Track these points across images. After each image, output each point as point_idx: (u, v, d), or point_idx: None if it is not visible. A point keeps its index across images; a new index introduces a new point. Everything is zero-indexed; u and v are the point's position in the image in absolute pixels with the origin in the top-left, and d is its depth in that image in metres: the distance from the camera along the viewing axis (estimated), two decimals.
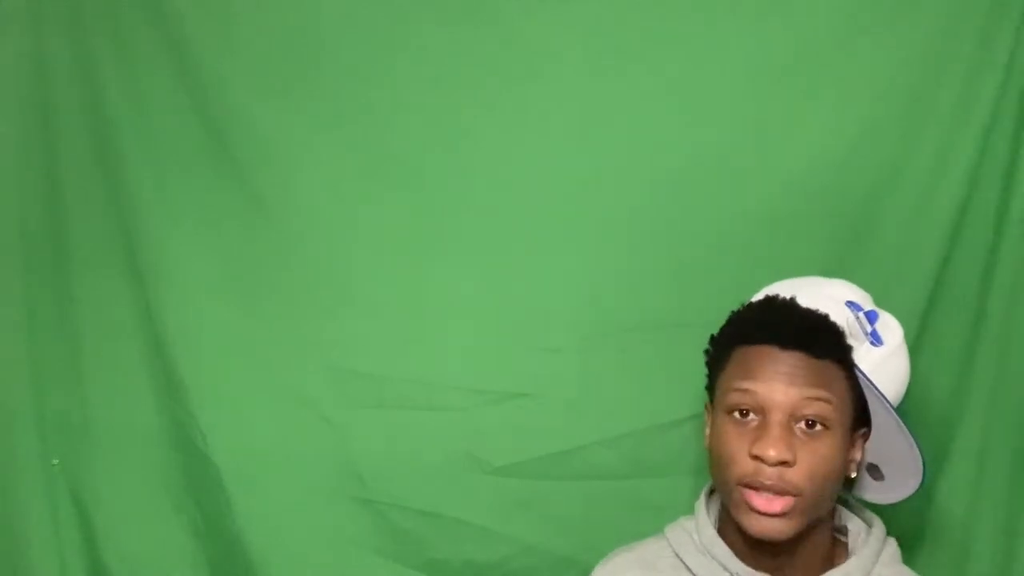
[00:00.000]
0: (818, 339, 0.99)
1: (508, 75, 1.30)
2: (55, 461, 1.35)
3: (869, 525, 1.08)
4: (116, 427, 1.35)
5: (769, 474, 0.97)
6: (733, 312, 1.07)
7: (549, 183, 1.30)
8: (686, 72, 1.29)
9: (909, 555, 1.24)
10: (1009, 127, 1.25)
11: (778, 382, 0.98)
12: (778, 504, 0.97)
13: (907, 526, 1.28)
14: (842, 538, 1.09)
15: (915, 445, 1.03)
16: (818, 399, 0.98)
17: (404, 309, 1.32)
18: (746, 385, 1.00)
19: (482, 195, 1.31)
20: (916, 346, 1.27)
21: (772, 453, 0.96)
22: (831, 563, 1.05)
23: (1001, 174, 1.26)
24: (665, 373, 1.24)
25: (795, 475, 0.97)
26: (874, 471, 1.11)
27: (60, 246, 1.35)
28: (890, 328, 1.07)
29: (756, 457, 0.97)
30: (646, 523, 1.13)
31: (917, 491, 1.09)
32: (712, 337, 1.08)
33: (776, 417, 0.98)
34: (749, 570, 1.03)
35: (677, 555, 1.06)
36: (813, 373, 0.99)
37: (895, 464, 1.08)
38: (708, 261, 1.27)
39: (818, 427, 0.98)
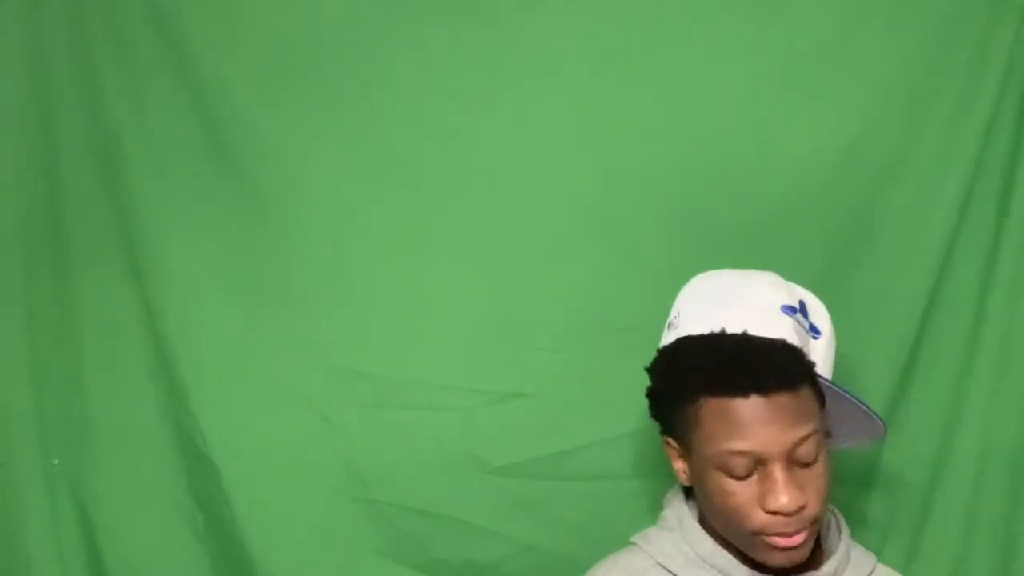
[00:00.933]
0: (791, 371, 0.98)
1: (508, 75, 1.30)
2: (55, 461, 1.34)
3: (832, 512, 1.10)
4: (116, 427, 1.35)
5: (789, 522, 0.96)
6: (679, 356, 1.03)
7: (549, 183, 1.30)
8: (686, 72, 1.29)
9: (909, 555, 1.25)
10: (1009, 127, 1.25)
11: (770, 432, 0.96)
12: (798, 539, 0.97)
13: (906, 526, 1.28)
14: None
15: (862, 404, 1.04)
16: (808, 436, 0.97)
17: (404, 309, 1.32)
18: (740, 447, 0.96)
19: (482, 195, 1.31)
20: (916, 346, 1.27)
21: (788, 503, 0.95)
22: (811, 549, 1.05)
23: (1001, 174, 1.26)
24: None
25: (810, 511, 0.97)
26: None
27: (60, 246, 1.35)
28: (819, 313, 1.08)
29: (773, 512, 0.96)
30: (646, 523, 1.13)
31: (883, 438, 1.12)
32: (658, 376, 1.06)
33: (776, 466, 0.96)
34: (756, 574, 1.03)
35: (664, 566, 1.05)
36: (796, 409, 0.97)
37: (850, 424, 1.08)
38: (708, 260, 1.26)
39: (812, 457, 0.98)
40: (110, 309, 1.35)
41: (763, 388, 0.96)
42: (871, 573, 1.06)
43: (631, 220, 1.30)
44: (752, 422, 0.96)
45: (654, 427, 1.26)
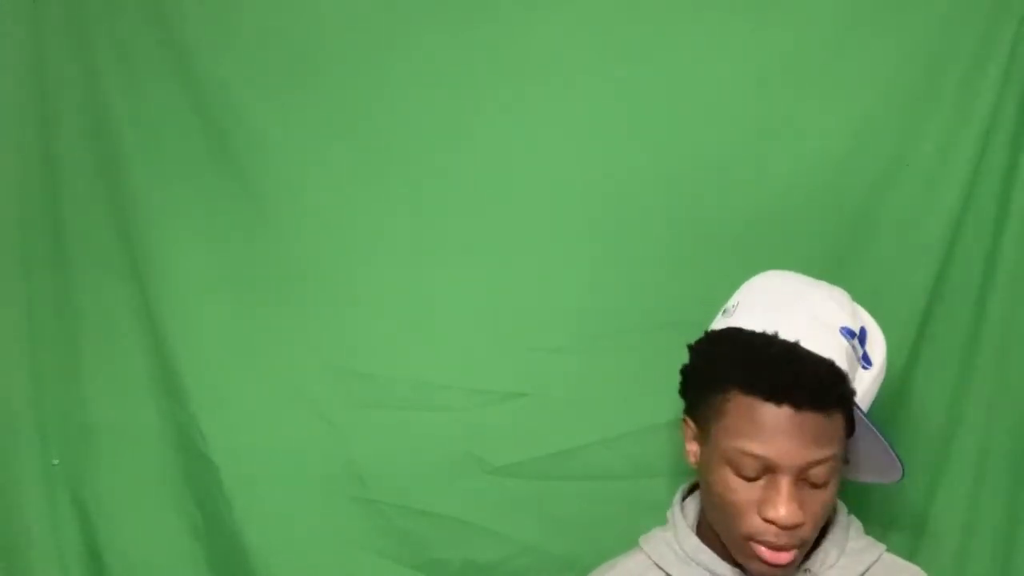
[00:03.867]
0: (829, 394, 0.97)
1: (508, 75, 1.30)
2: (55, 461, 1.34)
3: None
4: (116, 427, 1.35)
5: (780, 535, 0.96)
6: (725, 344, 1.03)
7: (549, 183, 1.30)
8: (686, 72, 1.29)
9: (909, 556, 1.25)
10: (1009, 126, 1.25)
11: (790, 445, 0.95)
12: (785, 557, 0.97)
13: (906, 527, 1.28)
14: None
15: (891, 449, 1.04)
16: (827, 459, 0.96)
17: (404, 309, 1.32)
18: (756, 450, 0.96)
19: (482, 195, 1.31)
20: (916, 346, 1.27)
21: (786, 517, 0.95)
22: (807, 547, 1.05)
23: (1001, 173, 1.26)
24: (665, 372, 1.23)
25: (804, 531, 0.97)
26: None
27: (60, 246, 1.35)
28: (877, 345, 1.07)
29: (769, 520, 0.96)
30: (646, 523, 1.13)
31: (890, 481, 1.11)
32: (699, 356, 1.05)
33: (785, 479, 0.96)
34: (737, 570, 1.03)
35: (659, 566, 1.06)
36: (822, 431, 0.96)
37: (862, 456, 1.08)
38: (708, 260, 1.27)
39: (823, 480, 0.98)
40: (110, 309, 1.35)
41: (796, 402, 0.95)
42: (873, 564, 1.06)
43: (631, 220, 1.30)
44: (775, 430, 0.95)
45: (654, 427, 1.27)
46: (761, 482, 0.97)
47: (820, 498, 0.98)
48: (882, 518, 1.27)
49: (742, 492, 0.97)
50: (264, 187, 1.33)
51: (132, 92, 1.33)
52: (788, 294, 1.06)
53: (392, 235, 1.32)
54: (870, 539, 1.09)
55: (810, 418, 0.95)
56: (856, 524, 1.09)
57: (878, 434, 1.02)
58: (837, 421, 0.98)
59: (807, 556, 1.05)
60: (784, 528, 0.95)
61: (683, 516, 1.09)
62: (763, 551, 0.97)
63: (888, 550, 1.08)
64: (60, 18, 1.33)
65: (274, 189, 1.33)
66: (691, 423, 1.07)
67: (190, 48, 1.32)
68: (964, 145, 1.25)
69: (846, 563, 1.05)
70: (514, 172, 1.31)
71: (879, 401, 1.23)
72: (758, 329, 1.00)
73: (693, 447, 1.07)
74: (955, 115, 1.25)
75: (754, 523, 0.97)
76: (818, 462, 0.96)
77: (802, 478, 0.96)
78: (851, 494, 1.16)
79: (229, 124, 1.32)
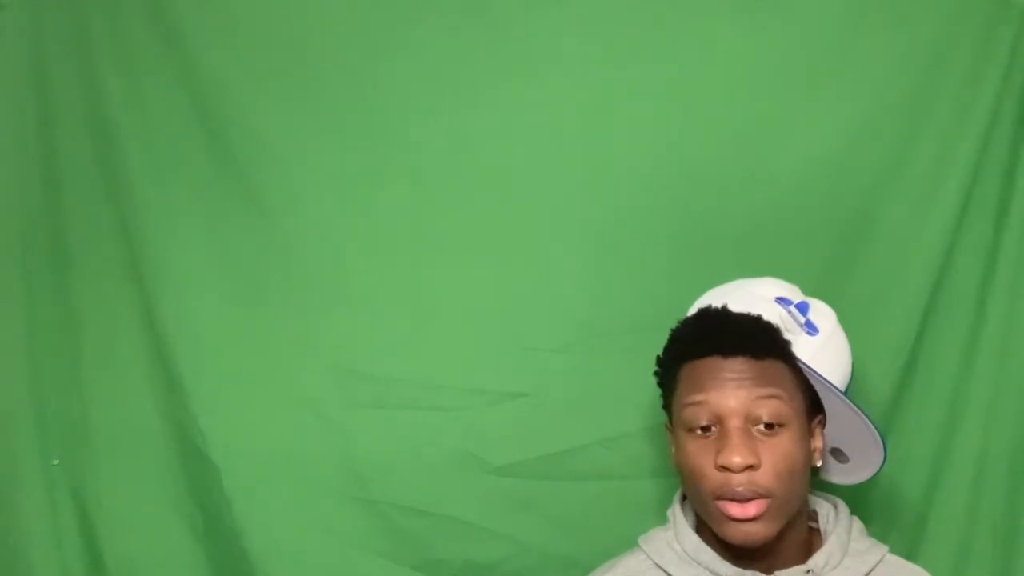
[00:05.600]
0: (756, 340, 1.01)
1: (508, 75, 1.31)
2: (55, 461, 1.34)
3: (835, 506, 1.11)
4: (116, 427, 1.35)
5: (739, 481, 0.98)
6: (672, 330, 1.08)
7: (549, 183, 1.31)
8: (686, 72, 1.29)
9: (909, 555, 1.25)
10: (1009, 127, 1.26)
11: (727, 388, 1.00)
12: (752, 509, 0.98)
13: (907, 526, 1.28)
14: (812, 524, 1.11)
15: (869, 423, 1.05)
16: (769, 396, 1.00)
17: (404, 309, 1.32)
18: (698, 397, 1.01)
19: (482, 194, 1.31)
20: (916, 346, 1.27)
21: (737, 460, 0.97)
22: (810, 547, 1.07)
23: (1001, 174, 1.26)
24: None
25: (763, 477, 0.98)
26: (839, 454, 1.14)
27: (60, 246, 1.35)
28: (823, 315, 1.10)
29: (723, 467, 0.98)
30: (646, 523, 1.13)
31: (882, 468, 1.11)
32: (658, 358, 1.09)
33: (733, 423, 0.99)
34: (738, 570, 1.04)
35: (659, 566, 1.07)
36: (759, 373, 1.00)
37: (856, 445, 1.10)
38: (708, 260, 1.27)
39: (775, 425, 1.00)
40: (110, 309, 1.35)
41: (724, 351, 1.01)
42: (876, 565, 1.06)
43: (631, 220, 1.30)
44: (711, 377, 1.01)
45: (654, 427, 1.27)
46: (714, 438, 1.00)
47: (775, 445, 0.99)
48: (882, 518, 1.28)
49: (700, 454, 1.01)
50: (264, 187, 1.33)
51: (132, 92, 1.33)
52: (731, 286, 1.12)
53: (392, 235, 1.32)
54: (873, 540, 1.09)
55: (740, 362, 1.01)
56: (859, 525, 1.10)
57: (847, 402, 1.03)
58: (774, 367, 1.01)
59: (809, 556, 1.05)
60: (739, 472, 0.97)
61: (683, 516, 1.09)
62: (730, 507, 0.98)
63: (890, 551, 1.08)
64: (60, 18, 1.33)
65: (274, 189, 1.33)
66: (668, 425, 1.10)
67: (190, 48, 1.32)
68: (964, 145, 1.25)
69: (850, 563, 1.05)
70: (514, 172, 1.31)
71: (879, 398, 1.24)
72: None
73: (672, 447, 1.09)
74: (955, 115, 1.26)
75: (714, 478, 0.99)
76: (758, 400, 0.99)
77: (751, 422, 1.00)
78: (852, 494, 1.16)
79: (229, 124, 1.32)
